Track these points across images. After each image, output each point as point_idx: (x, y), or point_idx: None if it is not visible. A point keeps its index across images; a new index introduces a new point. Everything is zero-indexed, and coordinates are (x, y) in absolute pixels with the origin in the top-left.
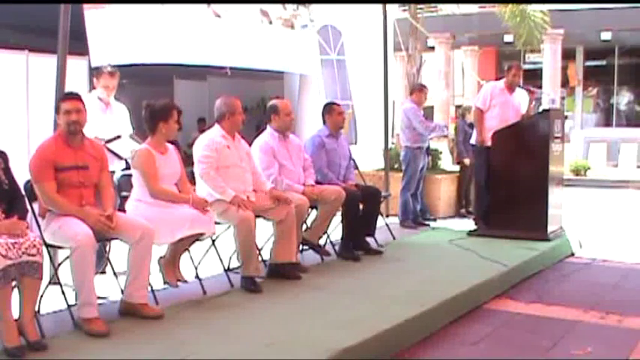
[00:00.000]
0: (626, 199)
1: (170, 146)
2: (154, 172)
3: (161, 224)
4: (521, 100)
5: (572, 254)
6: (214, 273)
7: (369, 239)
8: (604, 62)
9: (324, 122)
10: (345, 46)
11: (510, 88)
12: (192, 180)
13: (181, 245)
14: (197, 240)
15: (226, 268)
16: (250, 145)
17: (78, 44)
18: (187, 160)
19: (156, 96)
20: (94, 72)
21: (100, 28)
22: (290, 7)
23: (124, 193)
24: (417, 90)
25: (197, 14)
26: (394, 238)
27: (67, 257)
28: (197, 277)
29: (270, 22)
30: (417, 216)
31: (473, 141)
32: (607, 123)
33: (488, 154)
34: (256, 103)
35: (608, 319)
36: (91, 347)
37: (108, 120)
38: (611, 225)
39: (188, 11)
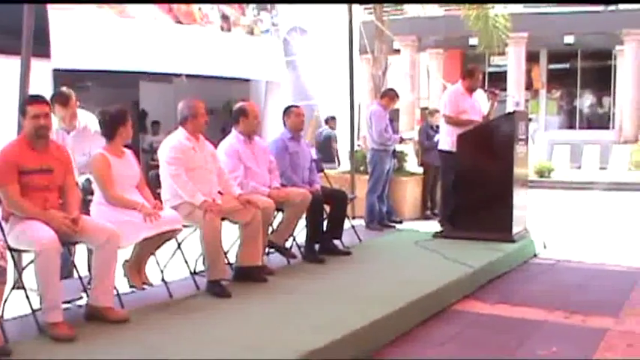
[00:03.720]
0: (589, 200)
1: (127, 150)
2: (108, 177)
3: (125, 225)
4: (480, 101)
5: (537, 255)
6: (180, 276)
7: (335, 241)
8: (567, 65)
9: (284, 125)
10: (311, 48)
11: (470, 90)
12: (156, 182)
13: (147, 248)
14: (168, 240)
15: (192, 271)
16: (216, 147)
17: (42, 46)
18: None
19: (122, 98)
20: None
21: (63, 30)
22: (250, 13)
23: (89, 197)
24: (389, 96)
25: (159, 21)
26: (360, 240)
27: (32, 261)
28: (163, 280)
29: (230, 30)
30: (382, 218)
31: (440, 146)
32: (570, 125)
33: (454, 157)
34: (222, 105)
35: (573, 319)
36: (56, 352)
37: (82, 141)
38: (574, 226)
39: (149, 18)
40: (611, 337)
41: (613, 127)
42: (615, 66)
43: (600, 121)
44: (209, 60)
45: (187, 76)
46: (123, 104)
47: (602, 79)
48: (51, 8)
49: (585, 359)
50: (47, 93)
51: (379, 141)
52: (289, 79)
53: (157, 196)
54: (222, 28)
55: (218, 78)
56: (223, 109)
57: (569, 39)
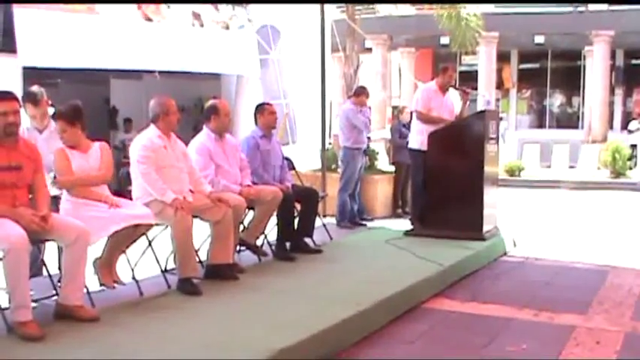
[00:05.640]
0: (559, 198)
1: (96, 144)
2: (63, 168)
3: (94, 221)
4: (453, 100)
5: (507, 253)
6: (151, 274)
7: (306, 239)
8: (537, 65)
9: (256, 123)
10: (283, 45)
11: (443, 89)
12: (128, 180)
13: (118, 246)
14: (139, 237)
15: (163, 269)
16: (187, 145)
17: (11, 42)
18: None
19: (92, 95)
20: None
21: (30, 27)
22: (224, 9)
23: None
24: (358, 93)
25: (128, 19)
26: (331, 239)
27: (0, 259)
28: (134, 278)
29: (202, 25)
30: (354, 216)
31: (410, 145)
32: (540, 124)
33: (424, 156)
34: (193, 102)
35: (541, 316)
36: (25, 351)
37: (54, 140)
38: (544, 224)
39: (119, 14)
40: (579, 334)
41: (582, 127)
42: (584, 66)
43: (569, 120)
44: (180, 56)
45: (160, 72)
46: (92, 101)
47: (571, 79)
48: (16, 6)
49: (553, 358)
50: (17, 89)
51: (365, 130)
52: (260, 76)
53: (129, 194)
54: (193, 25)
55: (189, 75)
56: (195, 106)
57: (539, 39)
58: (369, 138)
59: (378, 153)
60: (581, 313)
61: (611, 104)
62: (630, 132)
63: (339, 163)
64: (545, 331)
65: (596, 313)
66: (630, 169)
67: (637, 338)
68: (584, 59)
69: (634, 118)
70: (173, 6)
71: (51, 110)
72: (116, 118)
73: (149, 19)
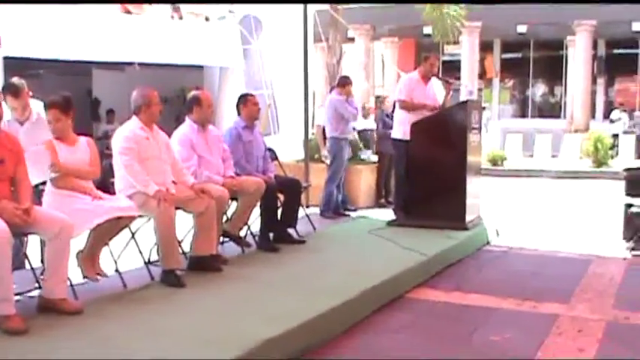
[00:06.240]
0: (541, 188)
1: (82, 139)
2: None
3: (77, 213)
4: (436, 90)
5: (489, 243)
6: (134, 266)
7: (290, 230)
8: (520, 55)
9: (239, 113)
10: (266, 36)
11: (425, 78)
12: (110, 172)
13: (101, 239)
14: (122, 229)
15: (146, 261)
16: (170, 136)
17: None
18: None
19: (74, 87)
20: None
21: (12, 18)
22: None
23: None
24: (344, 83)
25: (108, 12)
26: (315, 229)
27: None
28: (117, 270)
29: (181, 18)
30: (337, 206)
31: (393, 135)
32: (523, 114)
33: (407, 146)
34: (176, 93)
35: (525, 305)
36: (8, 345)
37: (36, 132)
38: (527, 214)
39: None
40: (562, 322)
41: (564, 117)
42: (567, 56)
43: (552, 110)
44: (162, 48)
45: (140, 64)
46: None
47: (553, 68)
48: None
49: (536, 347)
50: None
51: (353, 120)
52: (243, 67)
53: (111, 186)
54: (172, 17)
55: (172, 66)
56: (177, 97)
57: (521, 29)
58: (354, 128)
59: (361, 143)
60: (563, 302)
61: (593, 94)
62: (612, 121)
63: (326, 153)
64: (528, 320)
65: (578, 302)
66: (612, 158)
67: (618, 327)
68: (567, 49)
69: (616, 108)
70: None
71: (33, 102)
72: (98, 110)
73: (128, 12)
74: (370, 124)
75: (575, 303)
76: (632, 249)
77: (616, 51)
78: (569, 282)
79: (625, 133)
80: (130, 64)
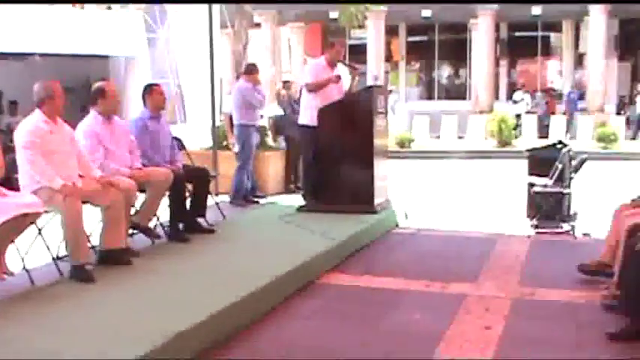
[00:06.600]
0: (448, 169)
1: None
2: None
3: None
4: (342, 76)
5: (398, 225)
6: (42, 263)
7: (200, 219)
8: (425, 38)
9: (145, 104)
10: (172, 24)
11: (332, 64)
12: (14, 167)
13: (6, 236)
14: (28, 226)
15: (55, 257)
16: (75, 127)
17: None
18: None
19: None
20: None
21: None
22: None
23: None
24: (251, 71)
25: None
26: (224, 217)
27: None
28: (24, 268)
29: (82, 7)
30: (247, 194)
31: (300, 121)
32: (429, 96)
33: (314, 131)
34: (81, 83)
35: (433, 286)
36: None
37: None
38: (434, 195)
39: None
40: (470, 302)
41: (469, 98)
42: (470, 39)
43: (458, 91)
44: (64, 38)
45: (42, 55)
46: None
47: (458, 51)
48: None
49: (445, 327)
50: None
51: (261, 107)
52: (148, 56)
53: (15, 182)
54: (73, 6)
55: (76, 56)
56: (82, 87)
57: (426, 12)
58: (262, 116)
59: (268, 129)
60: (471, 281)
61: (497, 75)
62: (515, 102)
63: (234, 141)
64: (437, 300)
65: (485, 280)
66: (516, 138)
67: (524, 303)
68: (470, 32)
69: (518, 89)
70: None
71: None
72: (1, 101)
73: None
74: (278, 110)
75: (482, 281)
76: (536, 227)
77: (517, 34)
78: (476, 261)
79: (527, 113)
80: (32, 54)
